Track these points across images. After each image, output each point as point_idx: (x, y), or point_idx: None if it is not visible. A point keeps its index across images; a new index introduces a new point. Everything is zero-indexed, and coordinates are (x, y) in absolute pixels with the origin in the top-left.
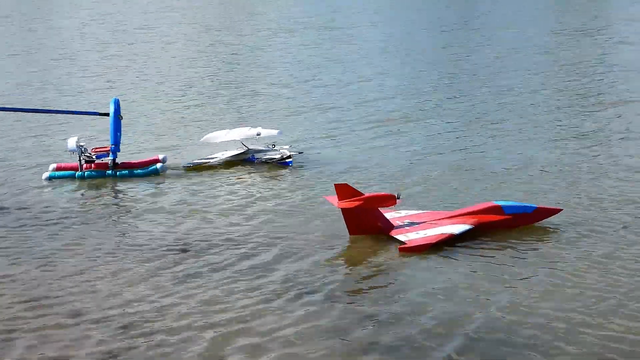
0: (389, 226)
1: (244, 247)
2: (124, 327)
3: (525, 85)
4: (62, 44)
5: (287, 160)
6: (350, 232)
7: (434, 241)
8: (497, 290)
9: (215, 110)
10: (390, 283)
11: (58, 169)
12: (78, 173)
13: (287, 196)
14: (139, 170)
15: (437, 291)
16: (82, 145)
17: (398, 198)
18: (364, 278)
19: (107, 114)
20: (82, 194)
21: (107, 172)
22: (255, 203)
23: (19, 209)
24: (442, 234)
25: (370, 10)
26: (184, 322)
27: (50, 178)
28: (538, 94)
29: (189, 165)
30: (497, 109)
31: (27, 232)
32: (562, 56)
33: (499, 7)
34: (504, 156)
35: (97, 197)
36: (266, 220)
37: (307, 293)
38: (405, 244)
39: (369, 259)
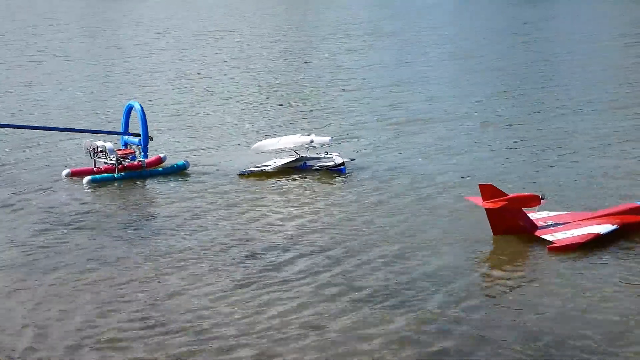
0: (533, 226)
1: (387, 249)
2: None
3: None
4: (118, 50)
5: (340, 167)
6: (494, 232)
7: (582, 241)
8: None
9: (265, 117)
10: (542, 282)
11: (73, 173)
12: (116, 175)
13: (394, 201)
14: (159, 169)
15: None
16: (97, 147)
17: (542, 199)
18: (515, 277)
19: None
20: (126, 198)
21: (141, 172)
22: (345, 207)
23: (53, 211)
24: (589, 233)
25: (430, 16)
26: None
27: (92, 181)
28: None
29: (243, 173)
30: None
31: (70, 235)
32: None
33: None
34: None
35: (147, 200)
36: (402, 220)
37: (457, 292)
38: (554, 243)
39: (517, 258)
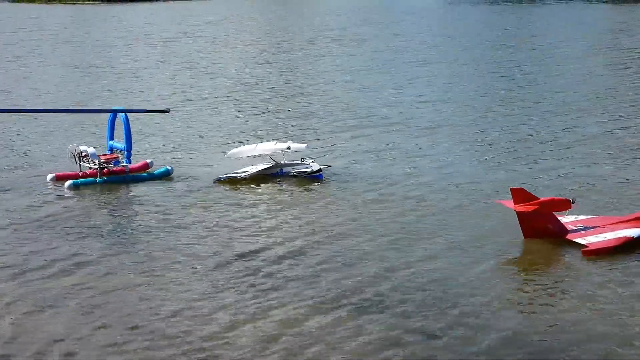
0: (564, 230)
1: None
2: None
3: None
4: (119, 53)
5: (317, 173)
6: (525, 235)
7: (616, 244)
8: None
9: (245, 123)
10: (576, 286)
11: (57, 177)
12: (98, 179)
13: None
14: (143, 174)
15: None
16: (81, 152)
17: (573, 203)
18: (549, 280)
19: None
20: (107, 203)
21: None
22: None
23: (42, 215)
24: (622, 237)
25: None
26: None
27: (73, 186)
28: None
29: (219, 179)
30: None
31: (52, 239)
32: None
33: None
34: None
35: (128, 205)
36: (439, 223)
37: (491, 297)
38: (587, 247)
39: (551, 262)
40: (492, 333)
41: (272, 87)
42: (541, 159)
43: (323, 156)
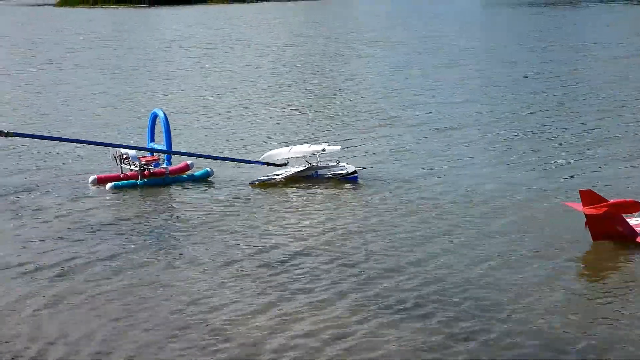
0: (633, 233)
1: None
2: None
3: None
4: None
5: (352, 175)
6: (594, 238)
7: None
8: None
9: (281, 126)
10: None
11: (99, 180)
12: (139, 181)
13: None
14: (183, 176)
15: None
16: (122, 154)
17: None
18: (618, 285)
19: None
20: (147, 205)
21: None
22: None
23: (89, 218)
24: None
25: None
26: None
27: (114, 188)
28: None
29: (255, 182)
30: None
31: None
32: None
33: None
34: None
35: (169, 207)
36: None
37: (558, 302)
38: None
39: (620, 266)
40: (548, 341)
41: (306, 90)
42: (598, 161)
43: (358, 157)
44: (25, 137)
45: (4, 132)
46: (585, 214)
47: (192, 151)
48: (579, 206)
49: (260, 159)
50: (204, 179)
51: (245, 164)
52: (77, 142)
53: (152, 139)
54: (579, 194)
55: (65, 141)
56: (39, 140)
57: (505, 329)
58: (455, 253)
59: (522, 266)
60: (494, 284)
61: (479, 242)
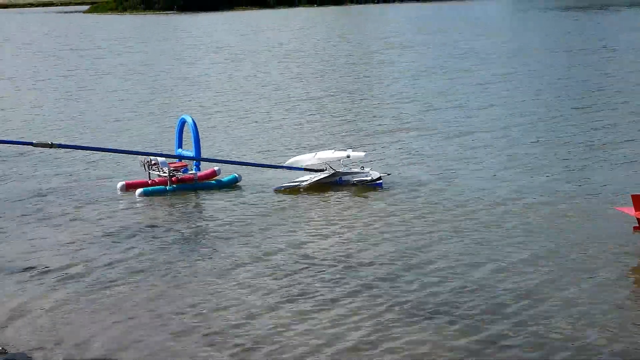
0: None
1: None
2: None
3: None
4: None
5: (377, 181)
6: None
7: None
8: None
9: (301, 131)
10: None
11: (127, 186)
12: (168, 187)
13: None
14: (211, 182)
15: None
16: (151, 160)
17: None
18: None
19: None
20: (176, 210)
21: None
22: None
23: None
24: None
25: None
26: None
27: (144, 193)
28: None
29: (279, 188)
30: None
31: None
32: None
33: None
34: None
35: (197, 212)
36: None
37: (603, 314)
38: None
39: None
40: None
41: (331, 95)
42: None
43: (381, 163)
44: (68, 147)
45: (48, 143)
46: (638, 219)
47: (222, 158)
48: (631, 211)
49: (285, 164)
50: (232, 184)
51: (278, 170)
52: (112, 152)
53: (179, 145)
54: (630, 198)
55: (102, 151)
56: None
57: (547, 349)
58: (491, 265)
59: (567, 278)
60: (535, 299)
61: (518, 254)
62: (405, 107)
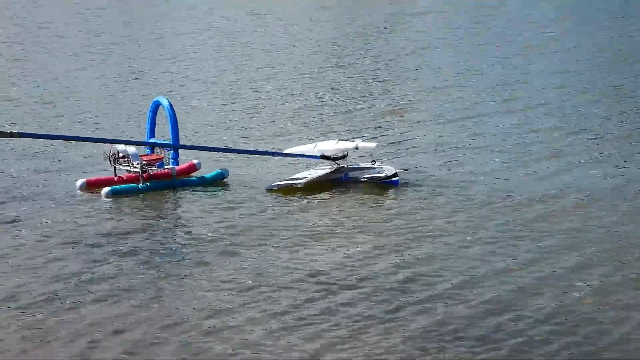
0: None
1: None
2: None
3: None
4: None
5: (392, 179)
6: None
7: None
8: None
9: (305, 120)
10: None
11: (89, 184)
12: (141, 185)
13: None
14: (192, 178)
15: None
16: (118, 152)
17: None
18: None
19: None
20: (152, 215)
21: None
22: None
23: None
24: None
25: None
26: None
27: (112, 193)
28: None
29: (272, 187)
30: None
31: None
32: None
33: None
34: None
35: (177, 216)
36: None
37: None
38: None
39: None
40: None
41: (334, 74)
42: None
43: (396, 157)
44: (34, 137)
45: (7, 132)
46: None
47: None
48: None
49: (275, 158)
50: (218, 181)
51: (271, 166)
52: (68, 139)
53: (152, 134)
54: None
55: (56, 139)
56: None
57: None
58: (539, 281)
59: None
60: (590, 313)
61: (570, 263)
62: (427, 85)
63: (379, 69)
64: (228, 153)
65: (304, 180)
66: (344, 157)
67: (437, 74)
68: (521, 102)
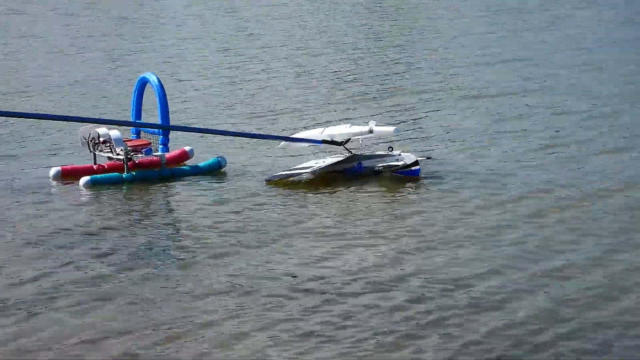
0: None
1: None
2: None
3: None
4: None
5: (413, 168)
6: None
7: None
8: None
9: (313, 101)
10: None
11: (64, 173)
12: (125, 174)
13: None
14: (184, 167)
15: None
16: (99, 136)
17: None
18: None
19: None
20: (137, 210)
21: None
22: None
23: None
24: None
25: None
26: None
27: (91, 183)
28: None
29: (272, 178)
30: None
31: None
32: None
33: None
34: None
35: (166, 212)
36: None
37: None
38: None
39: None
40: None
41: (343, 50)
42: None
43: (417, 144)
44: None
45: None
46: None
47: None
48: None
49: (278, 147)
50: (214, 170)
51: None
52: (48, 119)
53: (138, 115)
54: None
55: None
56: None
57: None
58: (582, 295)
59: None
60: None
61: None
62: (451, 64)
63: (398, 48)
64: (225, 138)
65: (309, 170)
66: (347, 141)
67: (463, 53)
68: (548, 81)
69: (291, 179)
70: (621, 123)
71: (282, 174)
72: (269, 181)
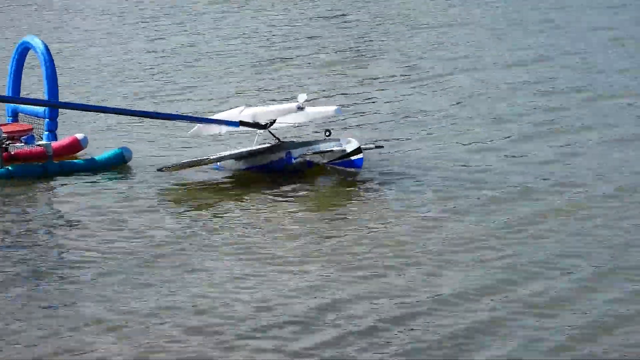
0: None
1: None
2: None
3: None
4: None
5: (354, 157)
6: None
7: None
8: None
9: (240, 83)
10: None
11: None
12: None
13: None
14: (77, 161)
15: None
16: None
17: None
18: None
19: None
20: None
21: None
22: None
23: None
24: None
25: None
26: None
27: None
28: None
29: (168, 167)
30: None
31: None
32: None
33: None
34: None
35: (52, 216)
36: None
37: None
38: None
39: None
40: None
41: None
42: None
43: (363, 129)
44: None
45: None
46: None
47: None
48: None
49: (189, 134)
50: (116, 165)
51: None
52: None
53: (16, 90)
54: None
55: None
56: None
57: None
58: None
59: None
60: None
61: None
62: (419, 49)
63: (361, 31)
64: (125, 123)
65: (214, 158)
66: (272, 123)
67: (430, 38)
68: (524, 58)
69: (188, 168)
70: (602, 107)
71: (179, 163)
72: (163, 170)
